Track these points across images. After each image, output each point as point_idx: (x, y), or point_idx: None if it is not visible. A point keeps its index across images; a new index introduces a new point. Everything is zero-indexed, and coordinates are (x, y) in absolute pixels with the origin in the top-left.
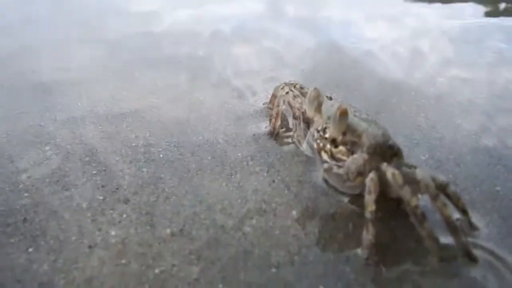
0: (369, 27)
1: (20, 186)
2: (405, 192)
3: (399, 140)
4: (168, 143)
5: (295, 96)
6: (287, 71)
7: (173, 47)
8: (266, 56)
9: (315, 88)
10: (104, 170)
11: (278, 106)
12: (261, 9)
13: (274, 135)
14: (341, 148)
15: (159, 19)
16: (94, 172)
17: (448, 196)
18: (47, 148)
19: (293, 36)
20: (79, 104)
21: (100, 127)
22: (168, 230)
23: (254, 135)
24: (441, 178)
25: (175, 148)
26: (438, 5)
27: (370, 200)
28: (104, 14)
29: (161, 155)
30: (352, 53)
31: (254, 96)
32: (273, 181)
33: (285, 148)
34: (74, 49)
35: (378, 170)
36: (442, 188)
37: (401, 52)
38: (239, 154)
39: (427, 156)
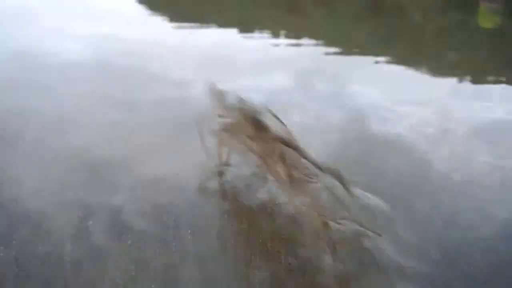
0: (397, 105)
1: None
2: None
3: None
4: None
5: None
6: (313, 143)
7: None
8: (292, 129)
9: None
10: None
11: None
12: (289, 82)
13: None
14: None
15: (193, 88)
16: None
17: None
18: None
19: (320, 111)
20: None
21: None
22: None
23: None
24: None
25: None
26: (467, 84)
27: None
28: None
29: None
30: (379, 131)
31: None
32: None
33: None
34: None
35: None
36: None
37: (430, 134)
38: None
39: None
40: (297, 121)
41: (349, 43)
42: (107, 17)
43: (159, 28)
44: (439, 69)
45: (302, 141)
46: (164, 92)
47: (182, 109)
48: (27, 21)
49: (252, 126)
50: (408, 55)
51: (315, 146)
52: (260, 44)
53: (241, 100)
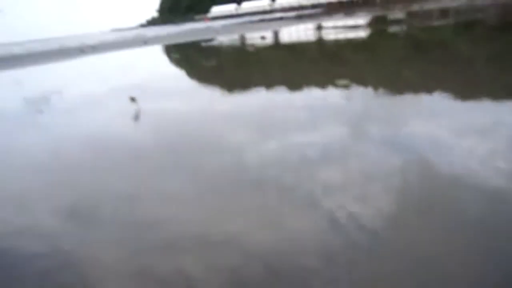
0: (459, 139)
1: None
2: None
3: None
4: None
5: None
6: (374, 189)
7: (261, 172)
8: (352, 176)
9: None
10: None
11: None
12: (344, 131)
13: None
14: None
15: (251, 150)
16: None
17: None
18: None
19: (379, 156)
20: None
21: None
22: None
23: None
24: None
25: None
26: None
27: None
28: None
29: None
30: (445, 171)
31: (348, 219)
32: None
33: None
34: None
35: None
36: None
37: (504, 168)
38: None
39: None
40: (357, 170)
41: (398, 83)
42: (166, 94)
43: (211, 97)
44: (498, 93)
45: (364, 190)
46: (222, 158)
47: (239, 173)
48: (94, 108)
49: None
50: (462, 85)
51: (377, 195)
52: (309, 98)
53: None
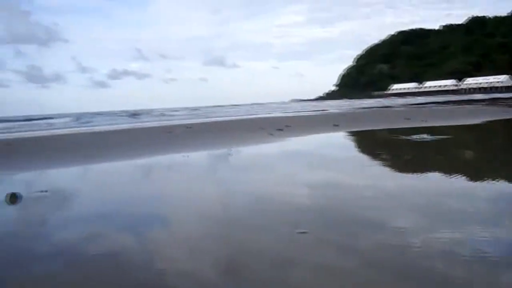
0: None
1: None
2: None
3: None
4: None
5: None
6: None
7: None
8: None
9: None
10: None
11: None
12: None
13: None
14: None
15: (415, 238)
16: None
17: None
18: None
19: None
20: None
21: None
22: None
23: None
24: None
25: None
26: None
27: None
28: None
29: None
30: None
31: None
32: None
33: None
34: None
35: None
36: None
37: None
38: None
39: None
40: None
41: None
42: (330, 165)
43: (377, 172)
44: None
45: None
46: (383, 239)
47: (402, 260)
48: (263, 169)
49: None
50: None
51: None
52: (495, 191)
53: None
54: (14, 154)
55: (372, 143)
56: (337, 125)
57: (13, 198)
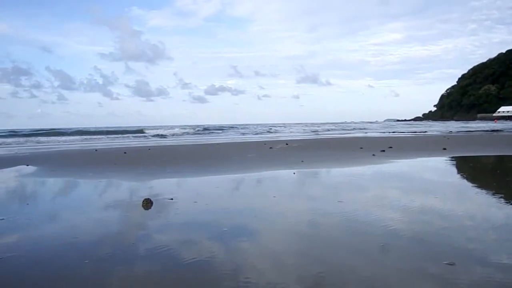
0: None
1: None
2: None
3: None
4: None
5: None
6: None
7: None
8: None
9: None
10: None
11: None
12: None
13: None
14: None
15: None
16: None
17: None
18: None
19: None
20: None
21: None
22: None
23: None
24: None
25: None
26: None
27: None
28: None
29: None
30: None
31: None
32: None
33: None
34: None
35: None
36: None
37: None
38: None
39: None
40: None
41: None
42: (428, 188)
43: (478, 201)
44: None
45: None
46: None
47: None
48: (357, 190)
49: None
50: None
51: None
52: None
53: None
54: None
55: (491, 170)
56: (445, 149)
57: (148, 203)
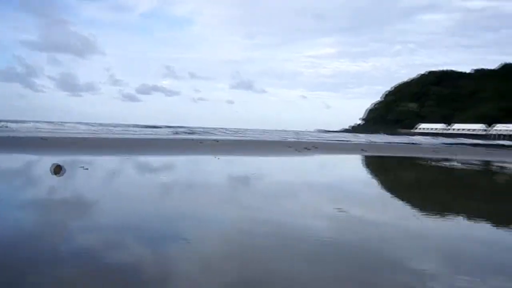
0: None
1: None
2: None
3: None
4: None
5: None
6: None
7: None
8: None
9: None
10: None
11: None
12: None
13: None
14: None
15: (432, 281)
16: None
17: None
18: None
19: None
20: None
21: None
22: None
23: None
24: None
25: None
26: None
27: None
28: None
29: None
30: None
31: None
32: None
33: None
34: None
35: None
36: None
37: None
38: None
39: None
40: None
41: None
42: (354, 199)
43: (401, 213)
44: None
45: None
46: (400, 281)
47: None
48: (289, 198)
49: None
50: None
51: None
52: None
53: None
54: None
55: (399, 163)
56: (365, 150)
57: (58, 169)
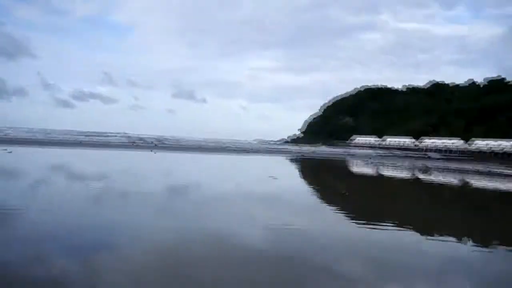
0: None
1: None
2: None
3: None
4: None
5: None
6: None
7: None
8: None
9: None
10: None
11: None
12: None
13: None
14: None
15: (363, 284)
16: None
17: None
18: None
19: None
20: None
21: None
22: None
23: None
24: None
25: None
26: None
27: None
28: None
29: None
30: None
31: None
32: None
33: None
34: None
35: None
36: None
37: None
38: None
39: None
40: None
41: None
42: (293, 210)
43: (338, 223)
44: None
45: None
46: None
47: None
48: (224, 208)
49: None
50: None
51: None
52: (443, 248)
53: None
54: None
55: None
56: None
57: None
